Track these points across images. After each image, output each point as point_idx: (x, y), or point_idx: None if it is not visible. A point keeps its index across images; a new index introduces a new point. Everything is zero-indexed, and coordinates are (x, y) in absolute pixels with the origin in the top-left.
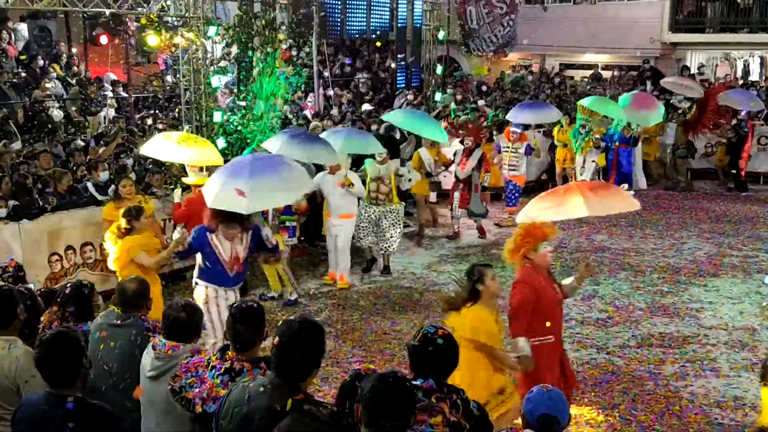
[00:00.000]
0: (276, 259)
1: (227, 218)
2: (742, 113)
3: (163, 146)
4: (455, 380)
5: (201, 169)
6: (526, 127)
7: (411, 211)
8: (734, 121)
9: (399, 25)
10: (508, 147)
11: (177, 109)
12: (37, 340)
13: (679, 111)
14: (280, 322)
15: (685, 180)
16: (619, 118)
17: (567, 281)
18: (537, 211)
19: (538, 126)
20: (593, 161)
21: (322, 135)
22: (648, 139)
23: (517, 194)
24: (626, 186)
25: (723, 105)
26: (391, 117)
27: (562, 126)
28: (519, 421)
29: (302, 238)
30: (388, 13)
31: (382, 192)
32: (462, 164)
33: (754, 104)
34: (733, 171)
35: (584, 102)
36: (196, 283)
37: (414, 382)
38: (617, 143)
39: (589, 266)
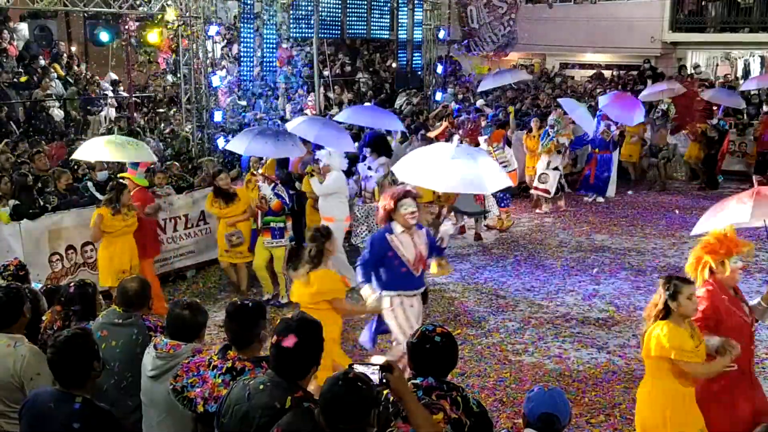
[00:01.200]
0: (447, 263)
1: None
2: (719, 112)
3: (97, 148)
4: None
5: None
6: (501, 125)
7: None
8: (714, 120)
9: (399, 25)
10: (491, 149)
11: (173, 110)
12: (51, 340)
13: (659, 113)
14: (278, 320)
15: (660, 181)
16: (587, 128)
17: (753, 302)
18: (706, 220)
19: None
20: (556, 168)
21: (298, 121)
22: (623, 139)
23: (509, 194)
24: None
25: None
26: (339, 116)
27: (530, 132)
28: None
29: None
30: (388, 13)
31: (368, 191)
32: None
33: (736, 102)
34: (704, 168)
35: (561, 101)
36: (380, 295)
37: (413, 381)
38: (597, 149)
39: None
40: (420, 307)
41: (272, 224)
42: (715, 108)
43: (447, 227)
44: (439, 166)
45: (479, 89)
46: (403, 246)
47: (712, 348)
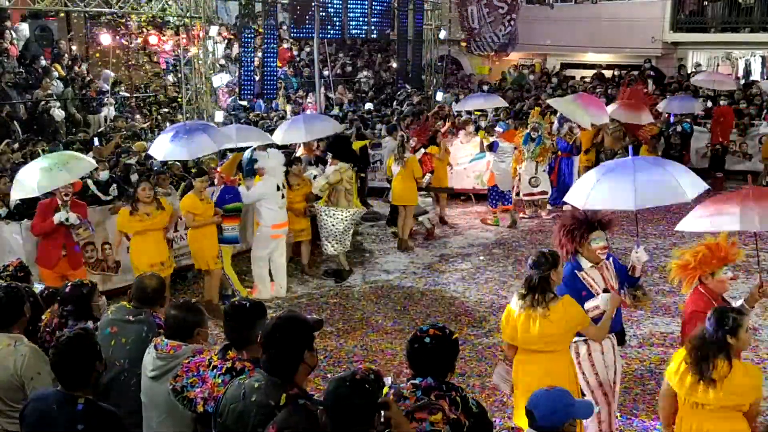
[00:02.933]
0: (644, 294)
1: (590, 224)
2: (671, 116)
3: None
4: None
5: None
6: (478, 128)
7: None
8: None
9: (400, 24)
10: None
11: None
12: (54, 341)
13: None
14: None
15: None
16: (586, 125)
17: (737, 304)
18: (694, 218)
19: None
20: (545, 170)
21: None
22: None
23: (495, 195)
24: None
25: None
26: (275, 137)
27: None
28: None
29: None
30: (389, 12)
31: (332, 195)
32: None
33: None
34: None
35: (554, 102)
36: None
37: (413, 381)
38: (559, 152)
39: (763, 287)
40: (615, 352)
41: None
42: (666, 115)
43: (640, 254)
44: (625, 184)
45: (456, 108)
46: (596, 282)
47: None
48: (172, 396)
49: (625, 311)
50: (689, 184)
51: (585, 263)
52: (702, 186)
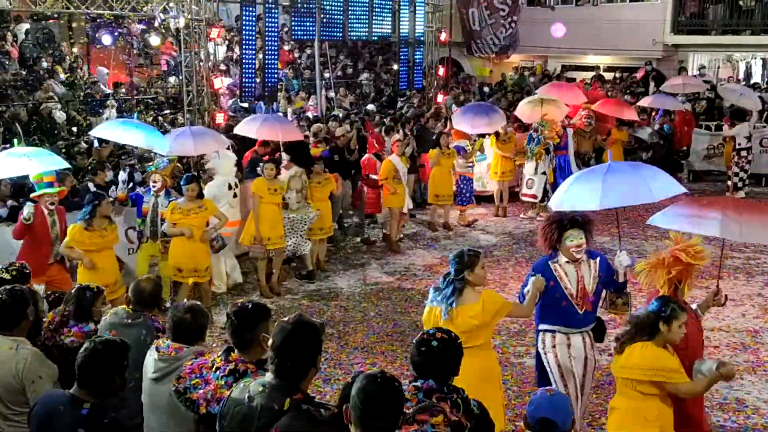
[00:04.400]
0: (624, 303)
1: (567, 223)
2: (657, 117)
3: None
4: None
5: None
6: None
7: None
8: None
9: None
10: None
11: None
12: (53, 339)
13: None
14: (276, 323)
15: None
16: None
17: (692, 307)
18: (672, 216)
19: None
20: (544, 173)
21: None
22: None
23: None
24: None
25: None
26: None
27: (498, 136)
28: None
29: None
30: (390, 14)
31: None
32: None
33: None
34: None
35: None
36: (538, 331)
37: (414, 383)
38: (553, 150)
39: (719, 295)
40: (586, 346)
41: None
42: (654, 113)
43: (621, 258)
44: (594, 185)
45: (456, 126)
46: (567, 277)
47: (707, 370)
48: (174, 397)
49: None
50: (660, 186)
51: (562, 258)
52: (677, 189)
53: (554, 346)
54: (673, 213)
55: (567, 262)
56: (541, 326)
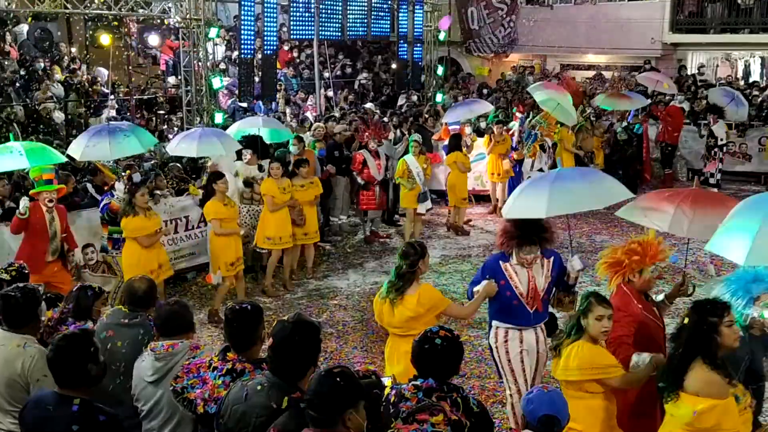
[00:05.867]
0: (571, 302)
1: (523, 238)
2: (630, 116)
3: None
4: None
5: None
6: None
7: (400, 222)
8: (608, 123)
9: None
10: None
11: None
12: (52, 339)
13: (584, 116)
14: (275, 322)
15: None
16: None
17: (659, 298)
18: (633, 207)
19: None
20: (541, 170)
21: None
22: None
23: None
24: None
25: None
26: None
27: (494, 133)
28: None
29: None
30: (388, 14)
31: (256, 191)
32: (378, 166)
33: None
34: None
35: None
36: (490, 325)
37: (414, 382)
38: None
39: (684, 285)
40: (539, 340)
41: (116, 235)
42: (626, 113)
43: (574, 263)
44: (541, 193)
45: (444, 120)
46: (518, 276)
47: (642, 362)
48: (172, 397)
49: None
50: (607, 193)
51: (513, 259)
52: (625, 195)
53: (506, 341)
54: (635, 205)
55: (518, 263)
56: (494, 322)
